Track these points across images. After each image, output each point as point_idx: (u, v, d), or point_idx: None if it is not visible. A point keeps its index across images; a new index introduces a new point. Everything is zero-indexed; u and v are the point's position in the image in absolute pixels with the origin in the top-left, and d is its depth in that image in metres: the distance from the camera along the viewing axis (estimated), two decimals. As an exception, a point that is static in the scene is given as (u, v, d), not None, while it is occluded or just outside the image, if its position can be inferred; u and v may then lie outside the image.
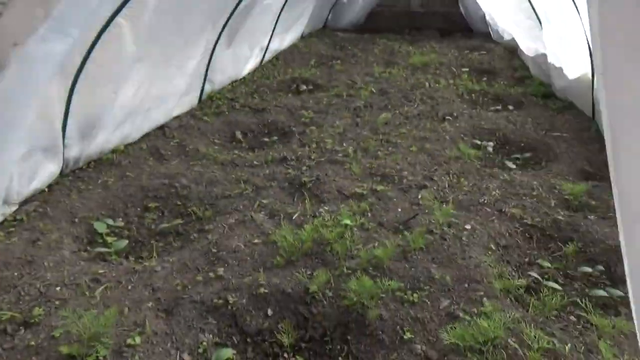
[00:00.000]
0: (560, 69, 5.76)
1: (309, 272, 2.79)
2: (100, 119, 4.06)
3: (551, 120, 5.33)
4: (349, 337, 2.45)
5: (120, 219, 3.60)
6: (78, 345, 2.25)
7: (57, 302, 2.60)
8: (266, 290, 2.66)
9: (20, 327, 2.44)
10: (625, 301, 2.78)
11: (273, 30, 7.41)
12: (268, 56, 7.74)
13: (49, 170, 3.67)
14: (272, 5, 6.70)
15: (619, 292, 2.78)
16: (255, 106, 5.78)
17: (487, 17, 9.56)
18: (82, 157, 4.04)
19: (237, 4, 5.57)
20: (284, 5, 7.21)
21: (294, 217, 3.40)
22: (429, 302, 2.58)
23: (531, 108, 5.75)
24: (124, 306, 2.60)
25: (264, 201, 3.65)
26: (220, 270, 2.83)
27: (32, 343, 2.33)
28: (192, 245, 3.15)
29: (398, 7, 10.97)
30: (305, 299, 2.64)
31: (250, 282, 2.72)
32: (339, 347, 2.44)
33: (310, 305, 2.61)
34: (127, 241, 3.31)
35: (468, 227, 3.25)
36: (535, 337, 2.24)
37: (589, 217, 3.46)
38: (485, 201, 3.63)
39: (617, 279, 2.96)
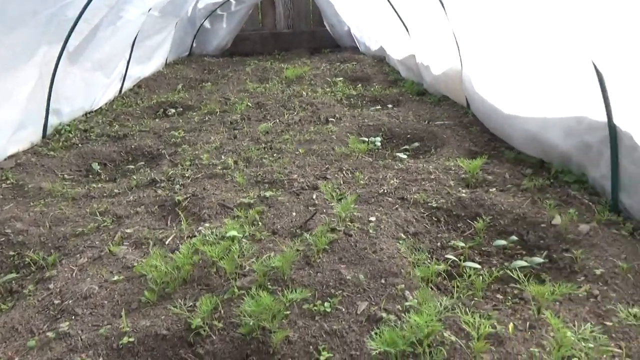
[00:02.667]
0: (429, 67, 5.87)
1: (190, 304, 2.16)
2: None
3: (430, 112, 5.32)
4: (251, 375, 1.86)
5: None
6: None
7: None
8: (132, 339, 1.97)
9: None
10: (546, 267, 2.57)
11: (130, 56, 6.66)
12: (129, 84, 6.95)
13: None
14: (122, 28, 5.98)
15: (538, 259, 2.56)
16: (116, 134, 4.98)
17: (353, 31, 9.79)
18: None
19: (76, 21, 4.79)
20: (139, 29, 6.53)
21: (167, 242, 2.74)
22: (344, 309, 2.09)
23: (409, 104, 5.73)
24: None
25: (128, 231, 2.93)
26: (65, 326, 2.07)
27: None
28: (27, 302, 2.32)
29: (265, 30, 10.83)
30: (187, 338, 1.99)
31: (109, 333, 2.01)
32: (239, 391, 1.83)
33: (195, 346, 1.97)
34: None
35: (373, 218, 2.87)
36: (473, 323, 1.86)
37: (489, 190, 3.30)
38: (385, 191, 3.30)
39: (532, 247, 2.76)
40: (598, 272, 2.33)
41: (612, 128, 2.93)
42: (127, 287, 2.32)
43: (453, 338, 1.86)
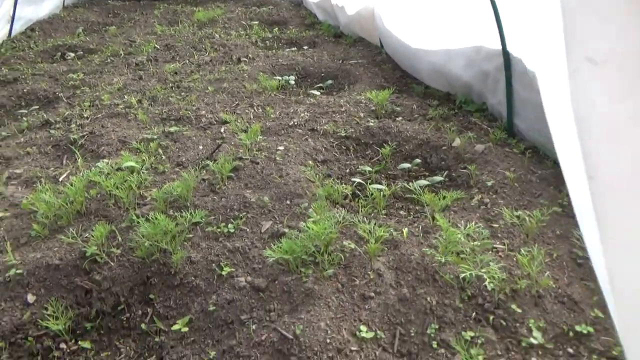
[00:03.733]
0: (343, 8, 5.82)
1: (85, 235, 2.05)
2: None
3: (345, 52, 5.30)
4: (151, 296, 1.82)
5: None
6: None
7: None
8: (20, 271, 1.85)
9: None
10: (446, 184, 2.72)
11: (17, -6, 5.94)
12: (19, 27, 6.24)
13: None
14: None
15: (438, 178, 2.70)
16: (4, 78, 4.49)
17: (269, -26, 9.41)
18: None
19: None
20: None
21: (60, 179, 2.56)
22: (247, 229, 2.09)
23: (325, 45, 5.68)
24: None
25: (17, 171, 2.69)
26: (-59, 264, 1.89)
27: None
28: None
29: (176, -28, 10.09)
30: (82, 266, 1.90)
31: (-7, 267, 1.86)
32: (139, 312, 1.79)
33: (91, 273, 1.88)
34: None
35: (281, 148, 2.86)
36: (370, 231, 1.93)
37: (397, 119, 3.39)
38: (296, 123, 3.29)
39: (434, 168, 2.90)
40: (489, 183, 2.50)
41: (506, 54, 3.09)
42: (14, 223, 2.16)
43: (352, 246, 1.92)
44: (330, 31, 6.27)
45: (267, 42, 5.99)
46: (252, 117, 3.43)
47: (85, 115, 3.47)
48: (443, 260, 1.79)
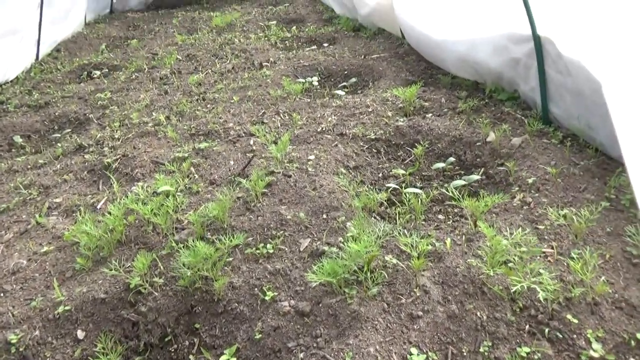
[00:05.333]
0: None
1: (127, 265, 2.07)
2: None
3: (366, 46, 5.21)
4: (197, 325, 1.83)
5: None
6: None
7: None
8: (68, 307, 1.88)
9: None
10: (484, 183, 2.63)
11: (41, 17, 6.07)
12: (45, 49, 6.39)
13: None
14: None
15: (475, 177, 2.61)
16: (37, 103, 4.61)
17: (283, -29, 9.33)
18: None
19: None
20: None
21: (99, 207, 2.60)
22: (286, 248, 2.07)
23: (345, 41, 5.60)
24: None
25: (57, 200, 2.75)
26: (-7, 304, 1.95)
27: None
28: (-50, 286, 2.16)
29: (190, -23, 10.13)
30: (127, 298, 1.92)
31: (42, 305, 1.91)
32: (187, 342, 1.80)
33: (137, 305, 1.91)
34: None
35: (312, 157, 2.82)
36: (412, 244, 1.88)
37: (426, 116, 3.30)
38: (324, 129, 3.24)
39: (470, 166, 2.82)
40: (530, 180, 2.40)
41: (536, 39, 2.95)
42: (58, 256, 2.20)
43: (394, 261, 1.88)
44: (348, 25, 6.17)
45: (286, 42, 5.94)
46: (279, 125, 3.40)
47: (116, 137, 3.52)
48: (491, 273, 1.73)
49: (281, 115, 3.58)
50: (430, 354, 1.54)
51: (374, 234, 1.94)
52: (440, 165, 2.80)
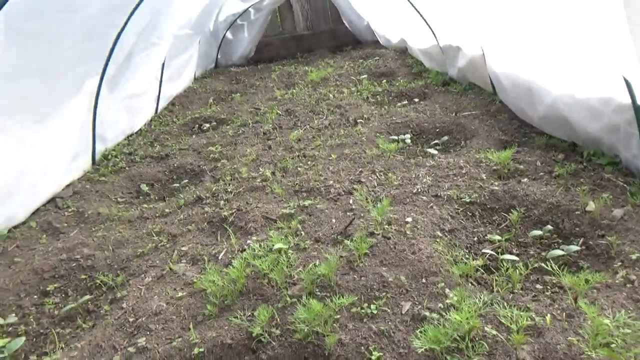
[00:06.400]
0: (457, 48, 5.81)
1: (248, 314, 2.37)
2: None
3: (457, 102, 5.38)
4: (311, 377, 2.06)
5: (13, 315, 2.94)
6: None
7: None
8: (202, 349, 2.20)
9: None
10: (583, 254, 2.65)
11: (162, 76, 6.98)
12: (163, 103, 7.28)
13: None
14: (154, 51, 6.29)
15: (574, 247, 2.64)
16: (158, 154, 5.28)
17: (372, 25, 9.85)
18: (-49, 253, 3.33)
19: (111, 50, 5.11)
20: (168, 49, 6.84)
21: (220, 257, 2.97)
22: (389, 310, 2.26)
23: (435, 96, 5.80)
24: (23, 421, 2.01)
25: (183, 248, 3.18)
26: (142, 341, 2.32)
27: None
28: (105, 321, 2.60)
29: (286, 33, 11.02)
30: (250, 346, 2.21)
31: (181, 345, 2.25)
32: (302, 392, 2.04)
33: (257, 352, 2.18)
34: (24, 338, 2.66)
35: (409, 219, 3.02)
36: (512, 317, 1.99)
37: (522, 181, 3.38)
38: (419, 190, 3.44)
39: (568, 234, 2.84)
40: (634, 257, 2.40)
41: (637, 109, 2.96)
42: (190, 302, 2.57)
43: (494, 332, 1.99)
44: (438, 79, 6.38)
45: (377, 97, 6.27)
46: (375, 185, 3.65)
47: (229, 190, 3.97)
48: (593, 355, 1.79)
49: (377, 174, 3.83)
50: None
51: (474, 304, 2.07)
52: (538, 232, 2.85)
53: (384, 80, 6.98)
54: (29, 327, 2.84)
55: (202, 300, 2.55)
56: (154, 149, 5.50)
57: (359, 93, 6.45)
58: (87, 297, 2.99)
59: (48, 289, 3.12)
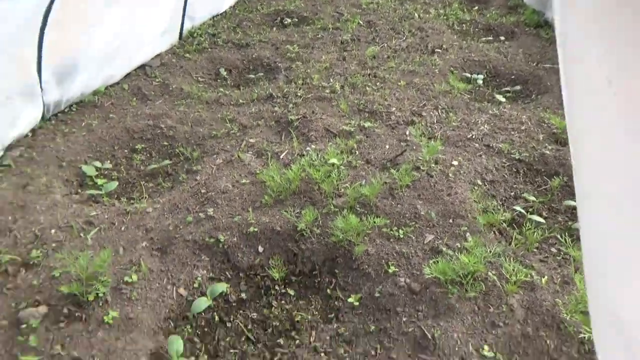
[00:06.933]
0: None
1: (297, 211, 2.84)
2: (77, 62, 3.92)
3: (543, 51, 5.23)
4: (336, 271, 2.55)
5: (108, 161, 3.58)
6: (78, 284, 2.32)
7: (53, 245, 2.64)
8: (256, 229, 2.72)
9: (21, 269, 2.50)
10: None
11: (256, -42, 6.99)
12: (251, -14, 7.37)
13: (29, 115, 3.58)
14: None
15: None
16: (239, 42, 5.58)
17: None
18: (63, 101, 3.93)
19: None
20: None
21: (281, 156, 3.40)
22: (413, 238, 2.66)
23: (523, 38, 5.62)
24: (119, 246, 2.65)
25: (251, 140, 3.63)
26: (210, 211, 2.87)
27: (34, 282, 2.40)
28: (182, 187, 3.16)
29: None
30: (294, 236, 2.70)
31: (240, 222, 2.77)
32: (327, 279, 2.54)
33: (299, 242, 2.68)
34: (117, 183, 3.30)
35: (455, 163, 3.28)
36: (514, 270, 2.34)
37: (573, 150, 3.49)
38: (474, 136, 3.64)
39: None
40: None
41: None
42: (251, 189, 3.06)
43: (495, 278, 2.36)
44: (532, 19, 6.10)
45: (463, 25, 6.12)
46: (435, 121, 3.86)
47: (298, 94, 4.29)
48: (568, 318, 2.14)
49: (439, 111, 4.01)
50: (498, 355, 2.06)
51: (486, 251, 2.42)
52: (572, 203, 3.07)
53: (475, 8, 6.72)
54: (120, 175, 3.47)
55: (261, 190, 3.03)
56: (235, 35, 5.78)
57: (445, 17, 6.30)
58: (167, 161, 3.55)
59: (136, 147, 3.71)
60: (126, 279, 2.42)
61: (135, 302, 2.33)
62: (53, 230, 2.75)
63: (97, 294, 2.32)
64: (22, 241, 2.67)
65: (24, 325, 2.21)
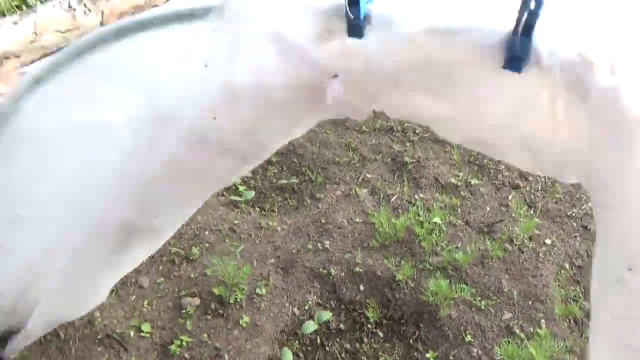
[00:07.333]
0: None
1: (397, 260, 3.37)
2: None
3: None
4: (421, 325, 3.08)
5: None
6: (224, 288, 3.09)
7: (206, 245, 3.44)
8: (361, 270, 3.31)
9: (183, 261, 3.33)
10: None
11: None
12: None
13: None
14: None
15: None
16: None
17: None
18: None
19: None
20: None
21: (392, 200, 3.91)
22: (493, 312, 3.09)
23: None
24: (253, 258, 3.39)
25: (368, 175, 4.16)
26: (327, 243, 3.50)
27: (192, 275, 3.22)
28: (306, 211, 3.81)
29: None
30: (391, 284, 3.25)
31: (349, 259, 3.37)
32: (412, 330, 3.08)
33: (394, 291, 3.23)
34: (254, 192, 4.03)
35: (548, 241, 3.58)
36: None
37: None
38: (574, 214, 3.86)
39: None
40: None
41: None
42: (362, 229, 3.62)
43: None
44: None
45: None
46: (540, 188, 4.10)
47: (416, 132, 4.69)
48: None
49: (546, 179, 4.23)
50: None
51: (551, 348, 2.80)
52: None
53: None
54: (257, 184, 4.20)
55: (370, 233, 3.59)
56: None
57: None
58: (295, 180, 4.21)
59: (272, 159, 4.41)
60: (257, 290, 3.15)
61: (262, 312, 3.06)
62: (207, 232, 3.55)
63: (236, 298, 3.08)
64: (184, 237, 3.50)
65: (183, 310, 3.04)
